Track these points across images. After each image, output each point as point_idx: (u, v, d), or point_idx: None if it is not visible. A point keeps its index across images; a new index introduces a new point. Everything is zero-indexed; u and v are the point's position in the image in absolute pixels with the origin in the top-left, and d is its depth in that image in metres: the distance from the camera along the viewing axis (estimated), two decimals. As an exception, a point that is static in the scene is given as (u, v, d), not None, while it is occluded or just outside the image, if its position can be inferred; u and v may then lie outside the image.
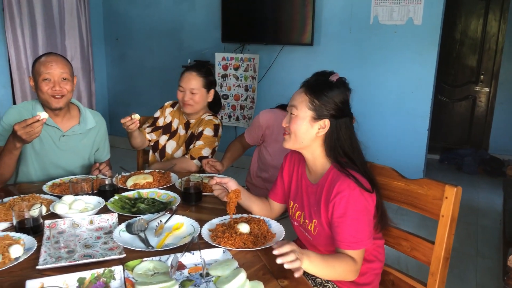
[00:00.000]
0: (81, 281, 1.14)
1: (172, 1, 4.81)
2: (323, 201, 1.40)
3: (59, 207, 1.54)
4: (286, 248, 1.15)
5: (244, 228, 1.40)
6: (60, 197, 1.65)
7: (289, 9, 4.06)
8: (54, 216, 1.53)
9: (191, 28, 4.75)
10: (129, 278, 1.16)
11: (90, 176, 1.90)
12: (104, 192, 1.74)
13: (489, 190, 4.36)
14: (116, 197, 1.71)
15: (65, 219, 1.48)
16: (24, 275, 1.16)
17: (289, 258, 1.13)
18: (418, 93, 3.86)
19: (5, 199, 1.64)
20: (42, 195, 1.71)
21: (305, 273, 1.51)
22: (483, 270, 2.84)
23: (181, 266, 1.24)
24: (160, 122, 2.37)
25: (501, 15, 5.00)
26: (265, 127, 2.27)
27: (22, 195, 1.68)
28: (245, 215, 1.56)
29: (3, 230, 1.42)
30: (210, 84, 2.28)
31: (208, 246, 1.34)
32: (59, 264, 1.21)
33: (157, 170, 2.04)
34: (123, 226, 1.44)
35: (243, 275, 1.13)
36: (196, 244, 1.31)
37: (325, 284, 1.48)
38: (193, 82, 2.21)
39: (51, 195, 1.74)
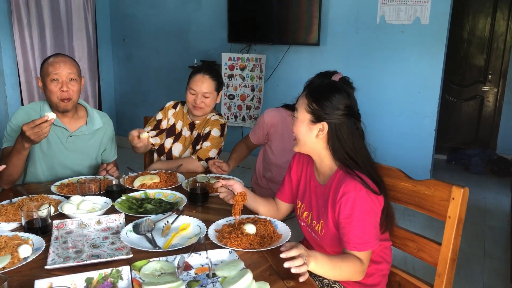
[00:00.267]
0: (89, 281, 1.15)
1: (178, 2, 4.82)
2: (330, 202, 1.40)
3: (67, 208, 1.55)
4: (293, 252, 1.15)
5: (250, 228, 1.40)
6: (68, 198, 1.67)
7: (296, 9, 4.06)
8: (62, 216, 1.54)
9: (198, 29, 4.76)
10: (136, 278, 1.17)
11: (97, 176, 1.91)
12: (112, 192, 1.75)
13: (496, 191, 4.33)
14: (123, 197, 1.72)
15: (73, 220, 1.49)
16: (33, 274, 1.18)
17: (296, 263, 1.13)
18: (425, 93, 3.84)
19: (14, 199, 1.66)
20: (50, 196, 1.72)
21: (312, 274, 1.52)
22: (491, 271, 2.82)
23: (187, 267, 1.24)
24: (164, 125, 2.33)
25: (509, 14, 4.96)
26: (270, 126, 2.28)
27: (30, 196, 1.70)
28: (251, 216, 1.56)
29: (12, 230, 1.44)
30: (220, 86, 2.26)
31: (215, 246, 1.34)
32: (67, 264, 1.22)
33: (163, 171, 2.04)
34: (130, 226, 1.45)
35: (249, 275, 1.13)
36: (202, 244, 1.31)
37: (333, 285, 1.48)
38: (206, 86, 2.17)
39: (59, 195, 1.75)
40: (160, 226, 1.48)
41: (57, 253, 1.29)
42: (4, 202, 1.64)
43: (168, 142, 2.31)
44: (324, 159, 1.46)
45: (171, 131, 2.32)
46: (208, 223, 1.49)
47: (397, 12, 3.78)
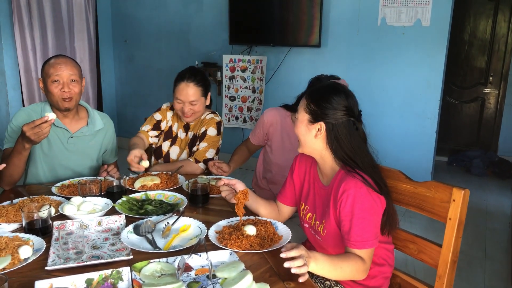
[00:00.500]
0: (89, 282, 1.15)
1: (180, 3, 4.83)
2: (332, 201, 1.41)
3: (68, 209, 1.55)
4: (294, 253, 1.15)
5: (251, 230, 1.40)
6: (68, 199, 1.67)
7: (297, 10, 4.06)
8: (62, 217, 1.55)
9: (199, 30, 4.77)
10: (137, 279, 1.17)
11: (98, 177, 1.91)
12: (112, 193, 1.75)
13: (498, 193, 4.33)
14: (124, 198, 1.72)
15: (73, 221, 1.49)
16: (33, 275, 1.18)
17: (297, 263, 1.14)
18: (427, 94, 3.84)
19: (15, 200, 1.66)
20: (51, 197, 1.73)
21: (314, 275, 1.52)
22: (492, 273, 2.81)
23: (188, 268, 1.24)
24: (163, 126, 2.30)
25: (511, 15, 4.96)
26: (269, 125, 2.28)
27: (31, 196, 1.70)
28: (251, 217, 1.56)
29: (13, 231, 1.44)
30: (207, 89, 2.20)
31: (215, 248, 1.34)
32: (67, 265, 1.22)
33: (164, 172, 2.05)
34: (130, 227, 1.45)
35: (249, 277, 1.13)
36: (203, 246, 1.31)
37: (334, 287, 1.48)
38: (192, 94, 2.11)
39: (59, 196, 1.75)
40: (160, 227, 1.48)
41: (58, 254, 1.29)
42: (5, 203, 1.64)
43: (165, 145, 2.30)
44: (326, 160, 1.46)
45: (169, 134, 2.30)
46: (208, 225, 1.49)
47: (398, 14, 3.78)
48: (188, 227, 1.50)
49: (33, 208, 1.45)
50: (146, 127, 2.27)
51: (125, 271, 1.19)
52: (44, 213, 1.42)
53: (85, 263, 1.24)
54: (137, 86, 5.42)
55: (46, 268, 1.21)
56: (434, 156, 4.01)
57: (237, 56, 4.38)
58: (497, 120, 5.22)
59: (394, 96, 3.96)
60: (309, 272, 1.52)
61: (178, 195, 1.79)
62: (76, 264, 1.23)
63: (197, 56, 4.75)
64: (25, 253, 1.27)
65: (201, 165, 2.19)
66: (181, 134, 2.30)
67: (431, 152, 3.94)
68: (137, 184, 1.89)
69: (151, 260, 1.25)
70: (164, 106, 2.33)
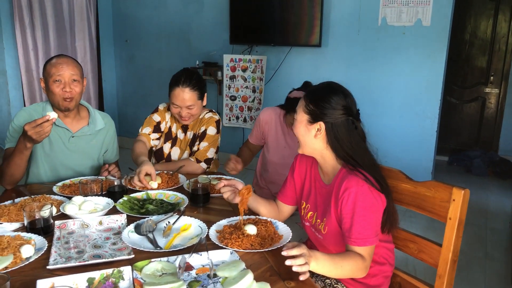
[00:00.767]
0: (90, 281, 1.15)
1: (180, 3, 4.84)
2: (333, 199, 1.41)
3: (69, 208, 1.56)
4: (295, 251, 1.16)
5: (251, 229, 1.41)
6: (70, 198, 1.67)
7: (297, 10, 4.07)
8: (64, 216, 1.55)
9: (200, 30, 4.78)
10: (138, 278, 1.18)
11: (99, 177, 1.92)
12: (113, 193, 1.76)
13: (498, 192, 4.33)
14: (125, 198, 1.73)
15: (75, 220, 1.50)
16: (35, 274, 1.18)
17: (298, 261, 1.15)
18: (427, 94, 3.84)
19: (16, 200, 1.67)
20: (52, 196, 1.73)
21: (315, 274, 1.53)
22: (492, 273, 2.82)
23: (188, 267, 1.25)
24: (163, 127, 2.29)
25: (511, 15, 4.96)
26: (264, 123, 2.31)
27: (33, 196, 1.71)
28: (252, 217, 1.56)
29: (15, 230, 1.45)
30: (203, 91, 2.18)
31: (216, 247, 1.35)
32: (69, 264, 1.23)
33: (165, 172, 2.05)
34: (131, 227, 1.46)
35: (250, 276, 1.14)
36: (203, 245, 1.32)
37: (335, 285, 1.49)
38: (188, 99, 2.09)
39: (61, 196, 1.76)
40: (161, 227, 1.49)
41: (59, 253, 1.30)
42: (6, 203, 1.65)
43: (166, 147, 2.29)
44: (327, 159, 1.47)
45: (169, 135, 2.29)
46: (209, 224, 1.50)
47: (399, 13, 3.79)
48: (189, 227, 1.50)
49: (34, 207, 1.46)
50: (146, 130, 2.24)
51: (126, 270, 1.19)
52: (45, 212, 1.43)
53: (87, 262, 1.24)
54: (138, 85, 5.43)
55: (47, 267, 1.21)
56: (435, 156, 4.01)
57: (238, 56, 4.38)
58: (498, 120, 5.22)
59: (395, 96, 3.97)
60: (310, 271, 1.53)
61: (179, 195, 1.80)
62: (77, 263, 1.23)
63: (198, 55, 4.76)
64: (27, 252, 1.27)
65: (203, 164, 2.19)
66: (180, 135, 2.29)
67: (431, 152, 3.95)
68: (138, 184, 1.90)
69: (152, 259, 1.25)
70: (161, 107, 2.30)
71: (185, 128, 2.29)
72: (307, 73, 4.22)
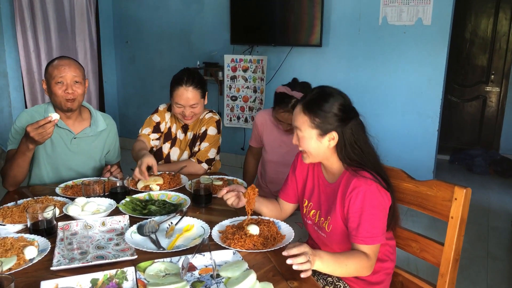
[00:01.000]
0: (94, 282, 1.16)
1: (181, 4, 4.84)
2: (339, 197, 1.42)
3: (72, 209, 1.56)
4: (296, 250, 1.16)
5: (254, 229, 1.41)
6: (72, 199, 1.68)
7: (298, 10, 4.07)
8: (67, 218, 1.56)
9: (201, 31, 4.78)
10: (141, 279, 1.18)
11: (101, 178, 1.92)
12: (116, 194, 1.77)
13: (500, 191, 4.33)
14: (127, 199, 1.73)
15: (77, 221, 1.50)
16: (39, 276, 1.19)
17: (299, 260, 1.15)
18: (428, 93, 3.84)
19: (19, 201, 1.67)
20: (55, 197, 1.74)
21: (317, 272, 1.53)
22: (494, 272, 2.82)
23: (192, 267, 1.25)
24: (162, 128, 2.28)
25: (512, 14, 4.96)
26: (260, 125, 2.36)
27: (35, 197, 1.71)
28: (254, 217, 1.57)
29: (18, 232, 1.45)
30: (205, 90, 2.18)
31: (218, 247, 1.35)
32: (72, 265, 1.23)
33: (167, 172, 2.06)
34: (134, 227, 1.46)
35: (253, 276, 1.14)
36: (206, 245, 1.32)
37: (337, 283, 1.49)
38: (192, 97, 2.09)
39: (64, 197, 1.77)
40: (164, 227, 1.49)
41: (63, 255, 1.31)
42: (9, 204, 1.66)
43: (165, 147, 2.29)
44: (332, 160, 1.47)
45: (168, 136, 2.29)
46: (211, 224, 1.50)
47: (399, 13, 3.79)
48: (192, 227, 1.51)
49: (37, 209, 1.46)
50: (146, 130, 2.24)
51: (130, 271, 1.20)
52: (48, 213, 1.43)
53: (90, 263, 1.25)
54: (139, 86, 5.43)
55: (51, 268, 1.22)
56: (436, 155, 4.01)
57: (239, 56, 4.39)
58: (499, 119, 5.22)
59: (396, 95, 3.97)
60: (312, 270, 1.53)
61: (181, 195, 1.80)
62: (81, 264, 1.24)
63: (199, 56, 4.76)
64: (31, 253, 1.28)
65: (204, 165, 2.19)
66: (180, 135, 2.29)
67: (433, 151, 3.95)
68: (140, 185, 1.90)
69: (155, 260, 1.26)
70: (161, 107, 2.30)
71: (185, 129, 2.29)
72: (308, 73, 4.23)
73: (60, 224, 1.47)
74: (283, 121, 2.15)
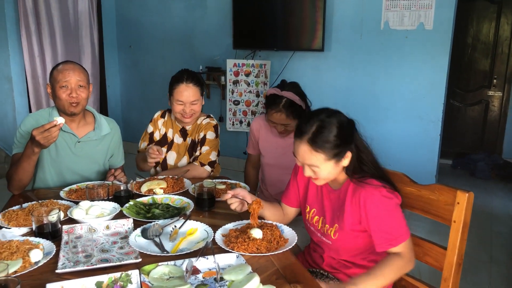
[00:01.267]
0: (99, 284, 1.17)
1: (184, 9, 4.87)
2: (348, 206, 1.42)
3: (76, 213, 1.57)
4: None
5: (257, 233, 1.42)
6: (77, 203, 1.69)
7: (300, 15, 4.09)
8: (71, 221, 1.57)
9: (203, 35, 4.80)
10: (145, 282, 1.19)
11: (105, 182, 1.93)
12: (120, 197, 1.78)
13: (503, 196, 4.32)
14: (131, 202, 1.74)
15: (82, 224, 1.51)
16: (44, 278, 1.20)
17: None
18: (430, 98, 3.85)
19: (24, 205, 1.69)
20: (60, 201, 1.75)
21: (319, 274, 1.54)
22: (497, 276, 2.81)
23: (195, 271, 1.26)
24: (157, 136, 2.33)
25: (514, 18, 4.97)
26: (255, 131, 2.37)
27: (40, 201, 1.73)
28: (258, 221, 1.57)
29: (23, 235, 1.46)
30: (203, 89, 2.27)
31: (222, 251, 1.36)
32: (77, 268, 1.24)
33: (170, 176, 2.07)
34: (138, 231, 1.47)
35: (256, 279, 1.15)
36: (210, 249, 1.33)
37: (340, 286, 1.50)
38: (193, 94, 2.15)
39: (68, 200, 1.78)
40: (168, 231, 1.50)
41: (67, 258, 1.32)
42: (14, 208, 1.67)
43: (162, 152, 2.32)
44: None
45: (164, 141, 2.32)
46: (215, 228, 1.51)
47: (401, 17, 3.80)
48: (195, 231, 1.51)
49: (42, 212, 1.47)
50: (143, 145, 2.33)
51: (134, 274, 1.21)
52: (53, 217, 1.45)
53: (95, 266, 1.26)
54: (142, 91, 5.45)
55: (56, 271, 1.23)
56: (438, 159, 4.01)
57: (241, 61, 4.41)
58: (502, 123, 5.22)
59: (398, 99, 3.97)
60: (313, 271, 1.54)
61: (185, 199, 1.81)
62: (85, 267, 1.25)
63: (201, 60, 4.78)
64: (36, 256, 1.29)
65: (207, 167, 2.22)
66: (178, 140, 2.31)
67: (435, 155, 3.95)
68: (144, 188, 1.92)
69: (159, 263, 1.27)
70: (156, 115, 2.36)
71: (183, 133, 2.31)
72: (310, 78, 4.24)
73: (64, 227, 1.48)
74: (276, 122, 2.16)
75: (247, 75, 4.41)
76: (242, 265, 1.25)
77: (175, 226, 1.52)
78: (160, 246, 1.39)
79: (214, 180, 1.97)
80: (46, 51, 4.52)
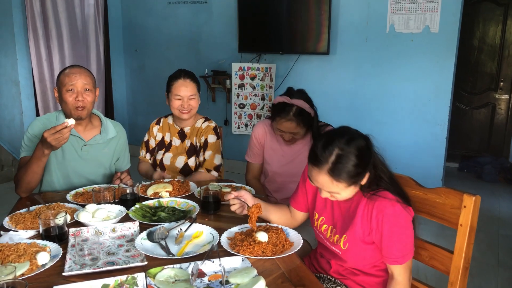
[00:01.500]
0: (105, 287, 1.17)
1: (189, 13, 4.89)
2: (360, 217, 1.40)
3: (83, 216, 1.58)
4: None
5: (262, 236, 1.42)
6: (83, 206, 1.70)
7: (305, 18, 4.09)
8: (78, 224, 1.58)
9: (209, 39, 4.82)
10: (151, 285, 1.19)
11: (112, 185, 1.94)
12: (126, 201, 1.78)
13: (510, 199, 4.29)
14: (137, 205, 1.75)
15: (88, 227, 1.52)
16: (51, 281, 1.20)
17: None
18: (436, 101, 3.84)
19: (31, 208, 1.70)
20: (66, 204, 1.76)
21: (326, 280, 1.53)
22: (505, 280, 2.79)
23: (201, 274, 1.26)
24: (153, 144, 2.39)
25: (520, 21, 4.95)
26: (261, 136, 2.28)
27: (47, 204, 1.74)
28: (263, 224, 1.57)
29: (30, 238, 1.47)
30: (199, 87, 2.34)
31: (228, 254, 1.36)
32: (83, 271, 1.25)
33: (176, 179, 2.07)
34: (144, 234, 1.48)
35: (262, 282, 1.15)
36: (215, 252, 1.33)
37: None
38: (190, 89, 2.26)
39: (74, 203, 1.79)
40: (173, 234, 1.51)
41: (74, 260, 1.32)
42: (22, 210, 1.68)
43: (159, 155, 2.36)
44: None
45: (161, 145, 2.38)
46: (220, 231, 1.51)
47: (407, 21, 3.80)
48: (201, 234, 1.52)
49: (49, 215, 1.48)
50: (142, 153, 2.42)
51: (140, 276, 1.21)
52: (60, 220, 1.45)
53: (101, 269, 1.26)
54: (148, 94, 5.48)
55: (63, 274, 1.24)
56: (445, 163, 3.99)
57: (247, 64, 4.42)
58: (508, 126, 5.18)
59: (404, 103, 3.96)
60: (321, 277, 1.53)
61: (190, 202, 1.82)
62: (92, 270, 1.25)
63: (207, 64, 4.80)
64: (43, 259, 1.29)
65: (213, 173, 2.26)
66: (176, 142, 2.35)
67: (441, 159, 3.93)
68: (150, 191, 1.92)
69: (165, 266, 1.27)
70: (152, 122, 2.43)
71: (182, 135, 2.34)
72: (315, 81, 4.24)
73: (71, 230, 1.49)
74: (285, 130, 2.10)
75: (253, 78, 4.42)
76: (247, 268, 1.25)
77: (180, 229, 1.52)
78: (166, 249, 1.40)
79: (219, 184, 1.98)
80: (54, 55, 4.55)
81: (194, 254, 1.36)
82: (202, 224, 1.57)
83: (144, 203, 1.79)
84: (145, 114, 5.54)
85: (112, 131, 2.15)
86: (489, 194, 4.38)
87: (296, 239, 1.48)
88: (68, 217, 1.57)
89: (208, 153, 2.26)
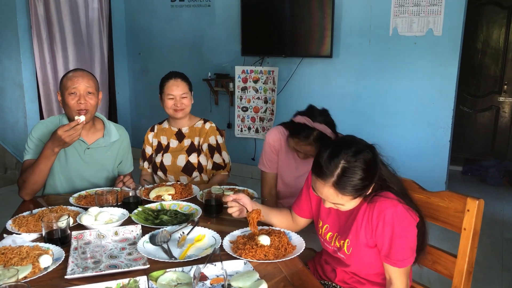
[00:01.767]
0: (107, 290, 1.17)
1: (192, 16, 4.91)
2: (361, 219, 1.39)
3: (85, 219, 1.58)
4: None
5: (264, 240, 1.41)
6: (86, 209, 1.70)
7: (308, 21, 4.10)
8: (80, 227, 1.58)
9: (212, 42, 4.83)
10: (153, 288, 1.19)
11: (114, 188, 1.95)
12: (128, 204, 1.79)
13: (514, 203, 4.26)
14: (139, 209, 1.75)
15: (91, 230, 1.52)
16: (53, 284, 1.21)
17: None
18: (440, 104, 3.83)
19: (34, 211, 1.71)
20: (69, 207, 1.77)
21: (331, 286, 1.52)
22: (509, 285, 2.77)
23: (203, 277, 1.26)
24: (149, 151, 2.43)
25: (524, 24, 4.93)
26: (277, 144, 2.17)
27: (50, 207, 1.74)
28: (265, 227, 1.57)
29: (33, 241, 1.48)
30: (191, 87, 2.39)
31: (230, 257, 1.36)
32: (86, 274, 1.25)
33: (178, 182, 2.08)
34: (146, 237, 1.48)
35: (264, 286, 1.15)
36: (217, 255, 1.33)
37: None
38: (182, 88, 2.32)
39: (77, 206, 1.79)
40: (176, 237, 1.51)
41: (76, 263, 1.32)
42: (25, 213, 1.69)
43: (158, 158, 2.37)
44: None
45: (159, 148, 2.40)
46: (222, 234, 1.51)
47: (410, 24, 3.79)
48: (203, 237, 1.52)
49: (52, 218, 1.48)
50: (141, 162, 2.47)
51: (142, 280, 1.21)
52: (63, 223, 1.46)
53: (103, 272, 1.26)
54: (151, 97, 5.48)
55: (65, 277, 1.24)
56: (448, 166, 3.97)
57: (249, 67, 4.42)
58: (512, 129, 5.16)
59: (407, 105, 3.96)
60: (326, 284, 1.53)
61: (193, 205, 1.82)
62: (94, 273, 1.26)
63: (210, 67, 4.81)
64: (45, 262, 1.30)
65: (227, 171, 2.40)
66: (173, 143, 2.38)
67: (445, 162, 3.91)
68: (152, 195, 1.92)
69: (167, 270, 1.27)
70: (147, 132, 2.47)
71: (180, 136, 2.37)
72: (318, 84, 4.24)
73: (74, 233, 1.50)
74: (302, 152, 2.02)
75: (256, 81, 4.42)
76: (249, 272, 1.25)
77: (183, 233, 1.52)
78: (168, 252, 1.40)
79: (222, 187, 1.98)
80: (58, 58, 4.58)
81: (196, 258, 1.36)
82: (205, 227, 1.58)
83: (146, 206, 1.79)
84: (148, 117, 5.55)
85: (115, 135, 2.15)
86: (493, 197, 4.35)
87: (299, 242, 1.47)
88: (71, 220, 1.57)
89: (224, 154, 2.37)
